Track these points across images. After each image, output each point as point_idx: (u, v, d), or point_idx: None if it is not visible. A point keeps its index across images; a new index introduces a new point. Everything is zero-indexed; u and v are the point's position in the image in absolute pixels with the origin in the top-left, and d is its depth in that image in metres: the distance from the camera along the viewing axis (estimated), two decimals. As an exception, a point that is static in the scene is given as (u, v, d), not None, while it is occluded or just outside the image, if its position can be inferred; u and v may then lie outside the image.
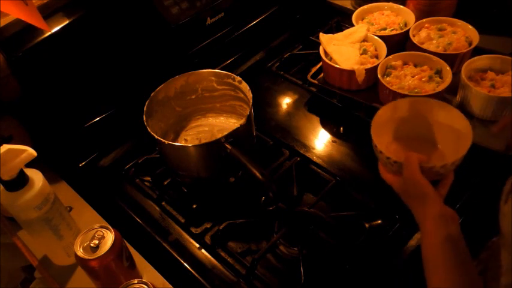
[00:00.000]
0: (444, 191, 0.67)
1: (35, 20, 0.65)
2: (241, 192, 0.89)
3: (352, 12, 1.11)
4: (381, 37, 1.01)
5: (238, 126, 0.80)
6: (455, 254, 0.58)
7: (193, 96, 0.97)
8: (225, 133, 0.79)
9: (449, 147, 0.72)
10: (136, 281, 0.61)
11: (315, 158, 0.94)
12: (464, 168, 0.68)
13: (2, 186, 0.66)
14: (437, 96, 0.88)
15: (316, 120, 1.04)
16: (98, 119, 0.97)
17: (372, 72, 0.96)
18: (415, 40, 1.01)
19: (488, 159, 0.84)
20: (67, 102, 0.92)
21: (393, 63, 0.96)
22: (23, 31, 0.83)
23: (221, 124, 1.00)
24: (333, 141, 0.98)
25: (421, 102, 0.76)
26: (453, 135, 0.72)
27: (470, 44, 0.98)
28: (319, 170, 0.91)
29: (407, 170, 0.65)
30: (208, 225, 0.85)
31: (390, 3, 1.13)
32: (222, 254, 0.80)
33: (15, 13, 0.63)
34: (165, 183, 0.92)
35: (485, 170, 0.85)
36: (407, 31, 1.03)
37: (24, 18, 0.64)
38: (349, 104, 1.02)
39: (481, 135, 0.81)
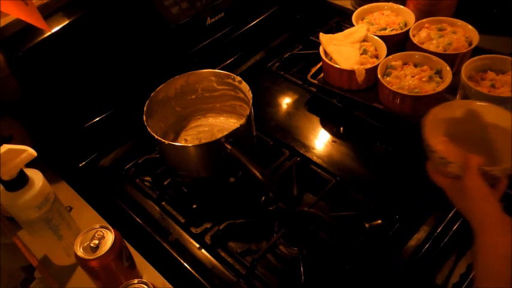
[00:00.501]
0: (498, 197, 0.62)
1: (35, 20, 0.65)
2: (241, 192, 0.89)
3: (352, 12, 1.12)
4: (381, 37, 1.01)
5: (238, 126, 0.80)
6: None
7: (193, 96, 0.97)
8: (225, 133, 0.79)
9: (503, 151, 0.69)
10: (136, 281, 0.61)
11: (315, 158, 0.94)
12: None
13: (2, 186, 0.66)
14: (437, 96, 0.88)
15: (316, 120, 1.04)
16: (98, 119, 0.97)
17: (372, 72, 0.96)
18: (415, 40, 1.01)
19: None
20: (67, 102, 0.92)
21: (393, 63, 0.96)
22: (23, 31, 0.83)
23: (221, 124, 1.00)
24: (333, 141, 0.98)
25: (475, 105, 0.73)
26: (508, 138, 0.68)
27: (470, 44, 0.98)
28: (319, 170, 0.91)
29: (467, 173, 0.61)
30: (208, 225, 0.85)
31: (390, 3, 1.13)
32: (222, 254, 0.80)
33: (15, 13, 0.63)
34: (165, 183, 0.92)
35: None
36: (407, 31, 1.03)
37: (24, 18, 0.64)
38: (349, 104, 1.02)
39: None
